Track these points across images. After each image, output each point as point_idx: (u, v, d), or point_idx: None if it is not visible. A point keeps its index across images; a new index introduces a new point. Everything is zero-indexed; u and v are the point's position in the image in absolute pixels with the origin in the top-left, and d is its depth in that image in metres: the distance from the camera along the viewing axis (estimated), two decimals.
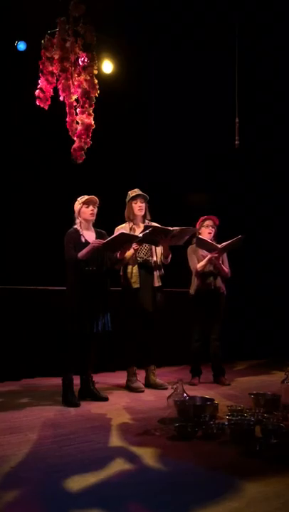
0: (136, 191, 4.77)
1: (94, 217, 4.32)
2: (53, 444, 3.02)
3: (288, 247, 7.42)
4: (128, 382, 4.77)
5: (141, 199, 4.76)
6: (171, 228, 4.43)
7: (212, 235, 5.08)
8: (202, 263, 5.01)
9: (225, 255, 5.14)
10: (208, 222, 5.10)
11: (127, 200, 4.81)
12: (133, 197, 4.75)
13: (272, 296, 7.44)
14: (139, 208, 4.75)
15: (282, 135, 7.31)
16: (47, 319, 5.35)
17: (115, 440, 3.08)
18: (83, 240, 4.20)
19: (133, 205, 4.76)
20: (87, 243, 4.15)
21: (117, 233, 4.27)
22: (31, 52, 5.26)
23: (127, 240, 4.31)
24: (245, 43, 5.74)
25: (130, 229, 4.73)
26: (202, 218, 5.15)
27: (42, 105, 4.46)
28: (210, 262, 5.01)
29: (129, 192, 4.80)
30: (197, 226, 5.13)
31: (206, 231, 5.07)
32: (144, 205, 4.78)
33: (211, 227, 5.08)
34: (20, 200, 6.13)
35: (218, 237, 5.13)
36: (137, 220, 4.80)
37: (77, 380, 4.25)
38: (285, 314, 7.35)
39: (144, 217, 4.82)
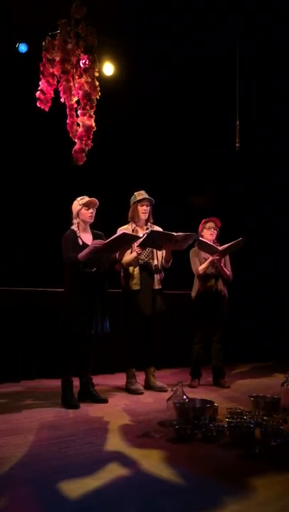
0: (142, 194, 4.78)
1: (92, 220, 4.30)
2: (52, 445, 3.01)
3: None
4: (127, 384, 4.76)
5: (147, 202, 4.78)
6: (175, 234, 4.44)
7: (214, 236, 5.08)
8: (204, 265, 5.01)
9: (227, 258, 5.14)
10: (210, 224, 5.11)
11: (132, 201, 4.82)
12: (140, 200, 4.76)
13: (273, 298, 7.44)
14: (144, 211, 4.77)
15: (282, 136, 7.32)
16: (46, 321, 5.33)
17: (114, 442, 3.08)
18: (81, 242, 4.19)
19: (138, 207, 4.77)
20: (84, 245, 4.14)
21: (119, 233, 4.26)
22: (32, 54, 5.27)
23: (128, 240, 4.30)
24: (246, 44, 5.74)
25: (133, 230, 4.74)
26: (204, 220, 5.16)
27: (42, 107, 4.47)
28: (211, 265, 5.01)
29: (136, 193, 4.81)
30: (199, 228, 5.14)
31: (208, 233, 5.08)
32: (149, 208, 4.79)
33: (213, 229, 5.09)
34: (20, 202, 6.13)
35: (219, 238, 5.14)
36: (140, 222, 4.81)
37: (76, 382, 4.24)
38: (286, 316, 7.34)
39: (147, 220, 4.83)
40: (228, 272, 5.09)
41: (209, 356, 5.17)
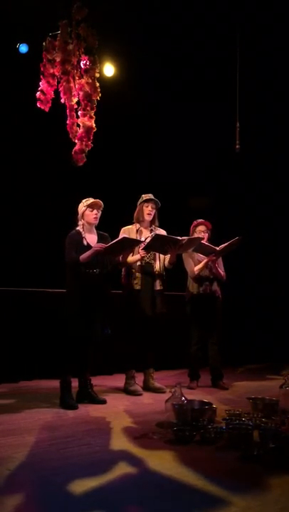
0: (149, 195, 4.80)
1: (97, 221, 4.29)
2: (50, 446, 3.01)
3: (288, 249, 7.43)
4: (126, 385, 4.76)
5: (152, 204, 4.79)
6: (180, 238, 4.44)
7: (206, 238, 5.06)
8: (199, 266, 5.00)
9: (220, 259, 5.12)
10: (200, 228, 5.08)
11: (139, 201, 4.84)
12: (146, 200, 4.77)
13: (272, 299, 7.44)
14: (148, 212, 4.78)
15: (283, 137, 7.33)
16: (45, 321, 5.33)
17: (113, 443, 3.08)
18: (85, 243, 4.19)
19: (144, 207, 4.79)
20: (89, 246, 4.15)
21: (120, 238, 4.27)
22: (33, 54, 5.27)
23: (128, 244, 4.31)
24: (247, 45, 5.75)
25: (137, 231, 4.75)
26: (195, 223, 5.13)
27: (43, 107, 4.48)
28: (206, 266, 5.00)
29: (143, 195, 4.83)
30: (190, 230, 5.12)
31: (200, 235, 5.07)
32: (154, 210, 4.80)
33: (203, 233, 5.06)
34: (20, 203, 6.13)
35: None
36: (145, 223, 4.82)
37: (75, 383, 4.24)
38: (285, 318, 7.34)
39: (151, 222, 4.84)
40: (222, 273, 5.09)
41: (208, 358, 5.17)
